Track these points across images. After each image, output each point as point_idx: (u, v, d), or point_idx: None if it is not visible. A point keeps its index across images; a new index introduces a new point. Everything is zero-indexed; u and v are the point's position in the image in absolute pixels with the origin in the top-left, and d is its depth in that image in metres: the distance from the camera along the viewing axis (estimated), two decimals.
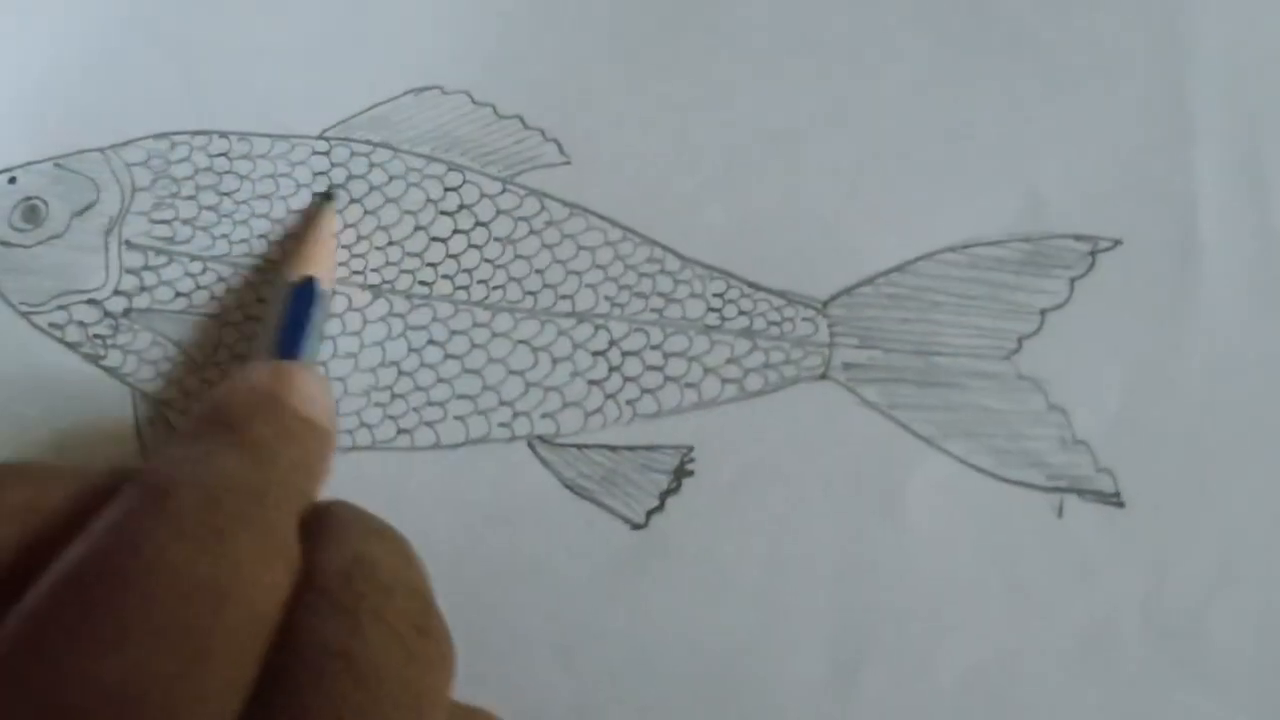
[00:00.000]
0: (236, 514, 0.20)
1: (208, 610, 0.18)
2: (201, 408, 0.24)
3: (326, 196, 0.31)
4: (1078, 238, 0.29)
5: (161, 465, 0.21)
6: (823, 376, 0.29)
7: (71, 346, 0.31)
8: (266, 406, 0.24)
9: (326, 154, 0.32)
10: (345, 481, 0.29)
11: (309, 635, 0.19)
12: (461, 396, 0.30)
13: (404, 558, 0.22)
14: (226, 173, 0.32)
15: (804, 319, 0.29)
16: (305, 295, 0.29)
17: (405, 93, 0.32)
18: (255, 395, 0.24)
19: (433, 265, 0.31)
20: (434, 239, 0.31)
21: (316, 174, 0.32)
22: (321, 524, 0.22)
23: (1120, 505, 0.27)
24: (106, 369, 0.31)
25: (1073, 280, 0.28)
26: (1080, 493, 0.27)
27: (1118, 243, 0.28)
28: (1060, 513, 0.27)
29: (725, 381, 0.29)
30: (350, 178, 0.32)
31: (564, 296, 0.30)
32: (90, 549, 0.19)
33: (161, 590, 0.18)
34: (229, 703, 0.18)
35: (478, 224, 0.31)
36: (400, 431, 0.30)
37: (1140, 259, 0.28)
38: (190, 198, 0.32)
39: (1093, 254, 0.28)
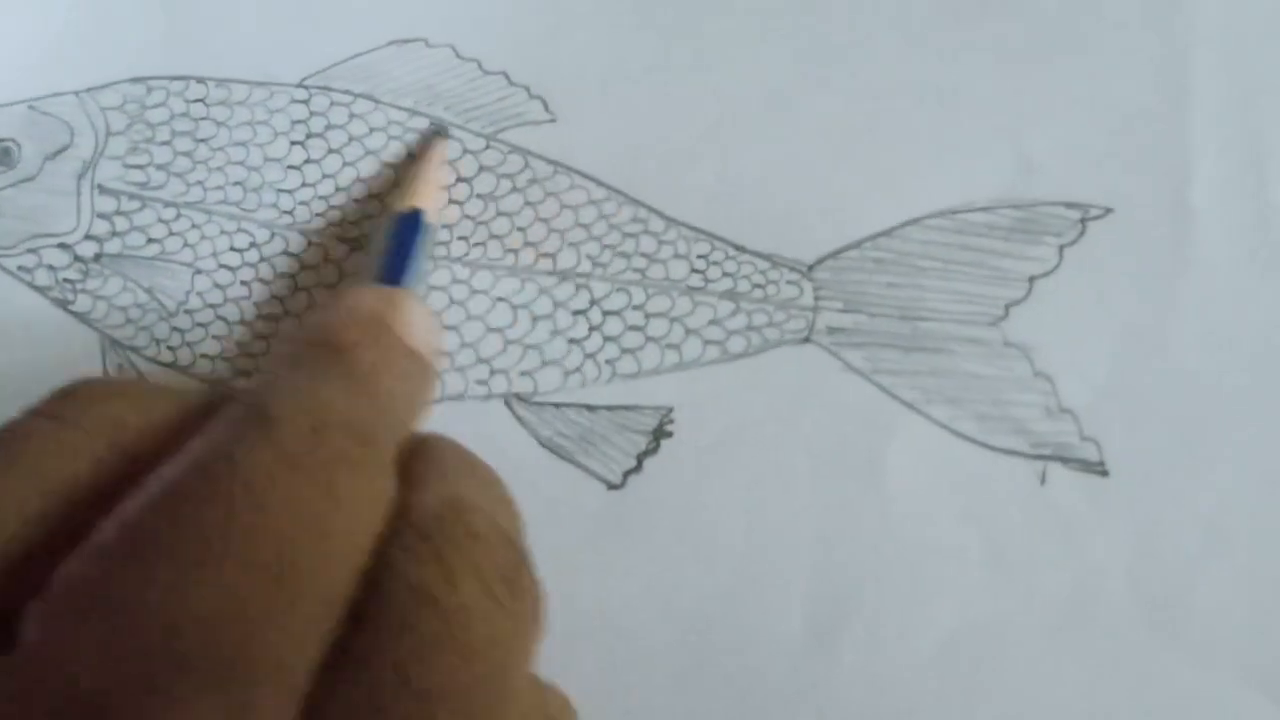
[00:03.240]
0: (341, 450, 0.19)
1: (307, 544, 0.17)
2: (306, 329, 0.23)
3: (438, 132, 0.31)
4: (1068, 205, 0.28)
5: (267, 389, 0.20)
6: (806, 340, 0.29)
7: (40, 290, 0.31)
8: (373, 332, 0.23)
9: (306, 102, 0.31)
10: None
11: (400, 577, 0.18)
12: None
13: (501, 503, 0.22)
14: (203, 119, 0.32)
15: (789, 282, 0.29)
16: (411, 225, 0.28)
17: (389, 44, 0.32)
18: (362, 320, 0.23)
19: None
20: None
21: (295, 122, 0.31)
22: (419, 458, 0.21)
23: (1104, 474, 0.27)
24: (75, 314, 0.31)
25: (1062, 248, 0.28)
26: (1064, 461, 0.27)
27: (1109, 210, 0.28)
28: (1043, 480, 0.27)
29: (707, 343, 0.29)
30: (329, 127, 0.31)
31: (545, 255, 0.30)
32: (192, 465, 0.18)
33: (263, 518, 0.17)
34: (314, 638, 0.17)
35: (459, 180, 0.31)
36: None
37: (1131, 227, 0.28)
38: (166, 143, 0.31)
39: (1083, 221, 0.28)
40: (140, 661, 0.16)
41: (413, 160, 0.30)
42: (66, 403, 0.21)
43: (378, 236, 0.28)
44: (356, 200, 0.31)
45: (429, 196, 0.29)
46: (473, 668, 0.18)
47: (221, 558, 0.17)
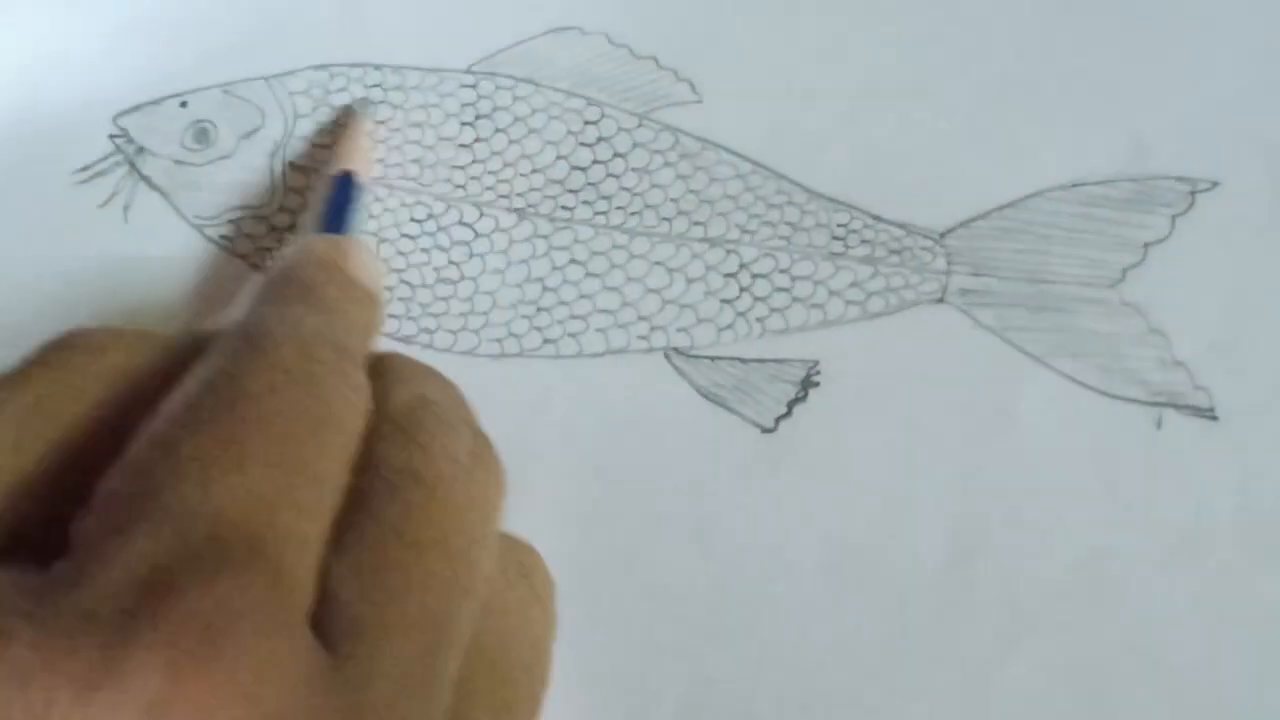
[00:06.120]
0: (326, 362, 0.23)
1: (310, 437, 0.21)
2: (271, 275, 0.27)
3: (359, 104, 0.34)
4: (1179, 179, 0.31)
5: (253, 319, 0.24)
6: (940, 300, 0.32)
7: (242, 258, 0.34)
8: (329, 271, 0.27)
9: (473, 87, 0.35)
10: (496, 387, 0.32)
11: (384, 459, 0.22)
12: (602, 311, 0.33)
13: (457, 399, 0.26)
14: (381, 103, 0.35)
15: (923, 248, 0.32)
16: (345, 186, 0.32)
17: (546, 32, 0.35)
18: (319, 262, 0.27)
19: (573, 192, 0.34)
20: (574, 168, 0.34)
21: (464, 105, 0.35)
22: (383, 370, 0.25)
23: (1214, 419, 0.30)
24: None
25: (1174, 217, 0.31)
26: (1178, 407, 0.30)
27: (1216, 184, 0.31)
28: (1160, 425, 0.30)
29: (849, 303, 0.32)
30: (496, 109, 0.35)
31: (697, 223, 0.33)
32: (202, 384, 0.21)
33: (271, 420, 0.20)
34: (323, 514, 0.21)
35: (615, 155, 0.34)
36: (546, 341, 0.33)
37: (1237, 199, 0.31)
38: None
39: (1193, 194, 0.31)
40: (186, 548, 0.18)
41: (339, 130, 0.34)
42: (61, 352, 0.23)
43: (317, 198, 0.32)
44: (522, 175, 0.34)
45: (358, 159, 0.33)
46: (451, 522, 0.22)
47: (240, 458, 0.20)
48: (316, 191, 0.33)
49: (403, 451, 0.22)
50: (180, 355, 0.24)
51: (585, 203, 0.34)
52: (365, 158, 0.33)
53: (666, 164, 0.34)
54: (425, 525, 0.21)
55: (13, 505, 0.21)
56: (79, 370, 0.23)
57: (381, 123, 0.35)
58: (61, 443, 0.22)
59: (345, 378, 0.23)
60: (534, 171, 0.34)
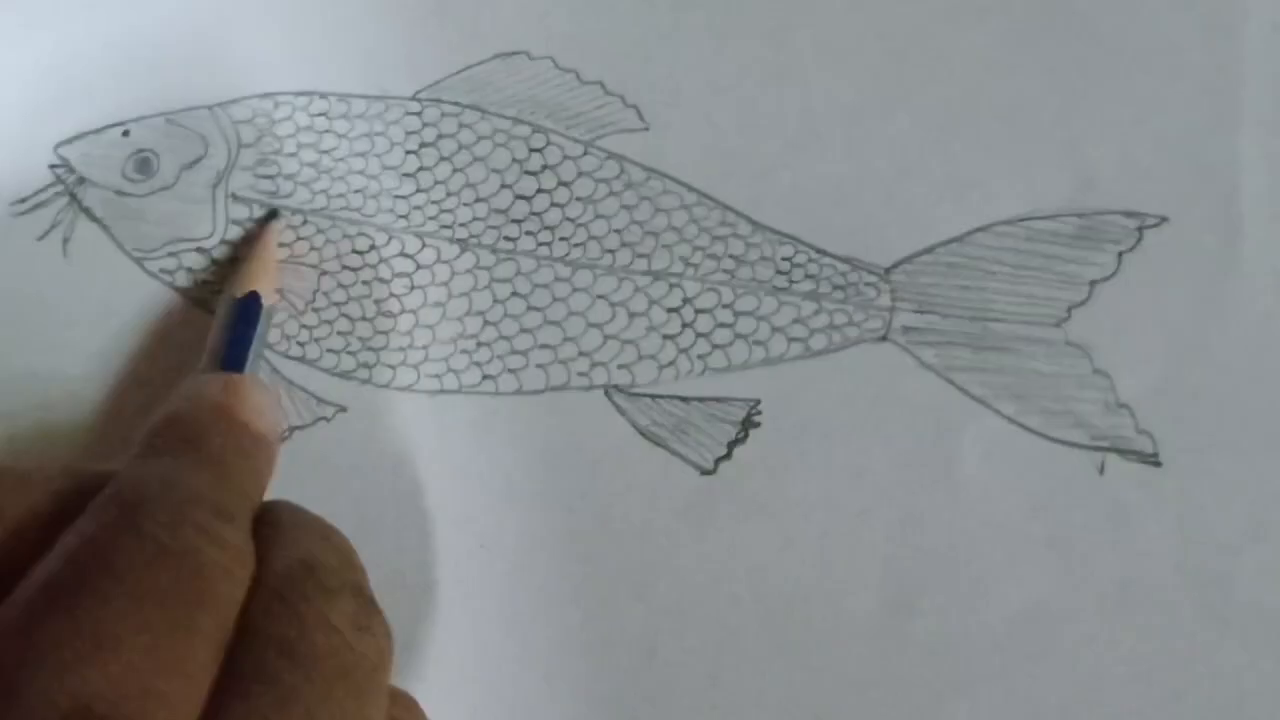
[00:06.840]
0: (203, 530, 0.22)
1: (180, 621, 0.20)
2: (158, 421, 0.26)
3: (271, 216, 0.33)
4: (1127, 214, 0.30)
5: (130, 480, 0.23)
6: (883, 339, 0.31)
7: (181, 291, 0.34)
8: (220, 421, 0.26)
9: (419, 114, 0.34)
10: (433, 423, 0.32)
11: (261, 635, 0.21)
12: (543, 346, 0.32)
13: (346, 559, 0.24)
14: (326, 131, 0.34)
15: (867, 284, 0.31)
16: (249, 310, 0.31)
17: (494, 57, 0.34)
18: (209, 409, 0.26)
19: (517, 222, 0.33)
20: (519, 197, 0.33)
21: (409, 133, 0.34)
22: (270, 524, 0.24)
23: (1158, 465, 0.29)
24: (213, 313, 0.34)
25: (1120, 254, 0.30)
26: (1121, 452, 0.29)
27: (1164, 219, 0.30)
28: (1102, 470, 0.29)
29: (791, 340, 0.32)
30: (441, 137, 0.34)
31: (641, 255, 0.33)
32: (66, 562, 0.20)
33: (140, 602, 0.19)
34: (195, 702, 0.20)
35: (560, 184, 0.33)
36: (485, 377, 0.33)
37: (1185, 236, 0.30)
38: (293, 155, 0.34)
39: (1140, 230, 0.30)
40: None
41: (248, 243, 0.33)
42: None
43: (217, 323, 0.31)
44: (465, 204, 0.33)
45: (265, 280, 0.31)
46: (329, 706, 0.20)
47: (101, 648, 0.19)
48: (216, 316, 0.31)
49: (280, 624, 0.21)
50: (68, 500, 0.23)
51: (529, 233, 0.33)
52: (271, 277, 0.32)
53: (611, 193, 0.33)
54: (298, 712, 0.20)
55: None
56: None
57: (326, 152, 0.34)
58: None
59: (223, 546, 0.22)
60: (478, 201, 0.33)
